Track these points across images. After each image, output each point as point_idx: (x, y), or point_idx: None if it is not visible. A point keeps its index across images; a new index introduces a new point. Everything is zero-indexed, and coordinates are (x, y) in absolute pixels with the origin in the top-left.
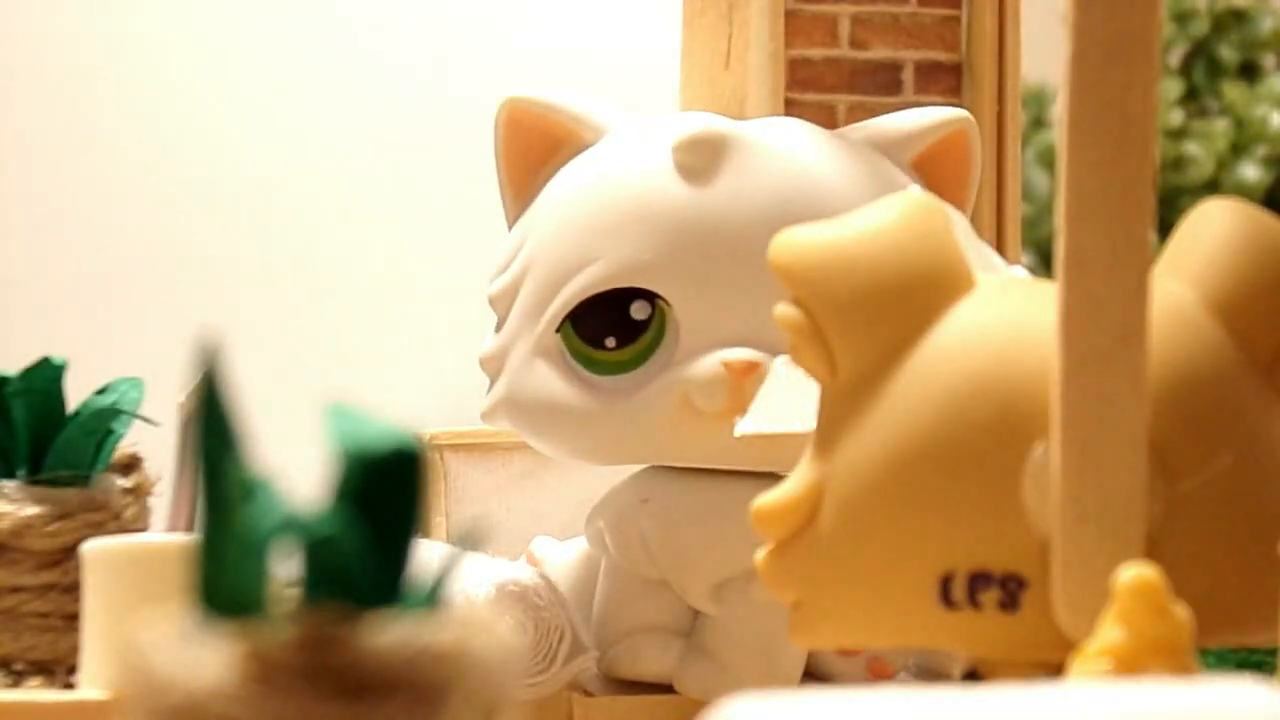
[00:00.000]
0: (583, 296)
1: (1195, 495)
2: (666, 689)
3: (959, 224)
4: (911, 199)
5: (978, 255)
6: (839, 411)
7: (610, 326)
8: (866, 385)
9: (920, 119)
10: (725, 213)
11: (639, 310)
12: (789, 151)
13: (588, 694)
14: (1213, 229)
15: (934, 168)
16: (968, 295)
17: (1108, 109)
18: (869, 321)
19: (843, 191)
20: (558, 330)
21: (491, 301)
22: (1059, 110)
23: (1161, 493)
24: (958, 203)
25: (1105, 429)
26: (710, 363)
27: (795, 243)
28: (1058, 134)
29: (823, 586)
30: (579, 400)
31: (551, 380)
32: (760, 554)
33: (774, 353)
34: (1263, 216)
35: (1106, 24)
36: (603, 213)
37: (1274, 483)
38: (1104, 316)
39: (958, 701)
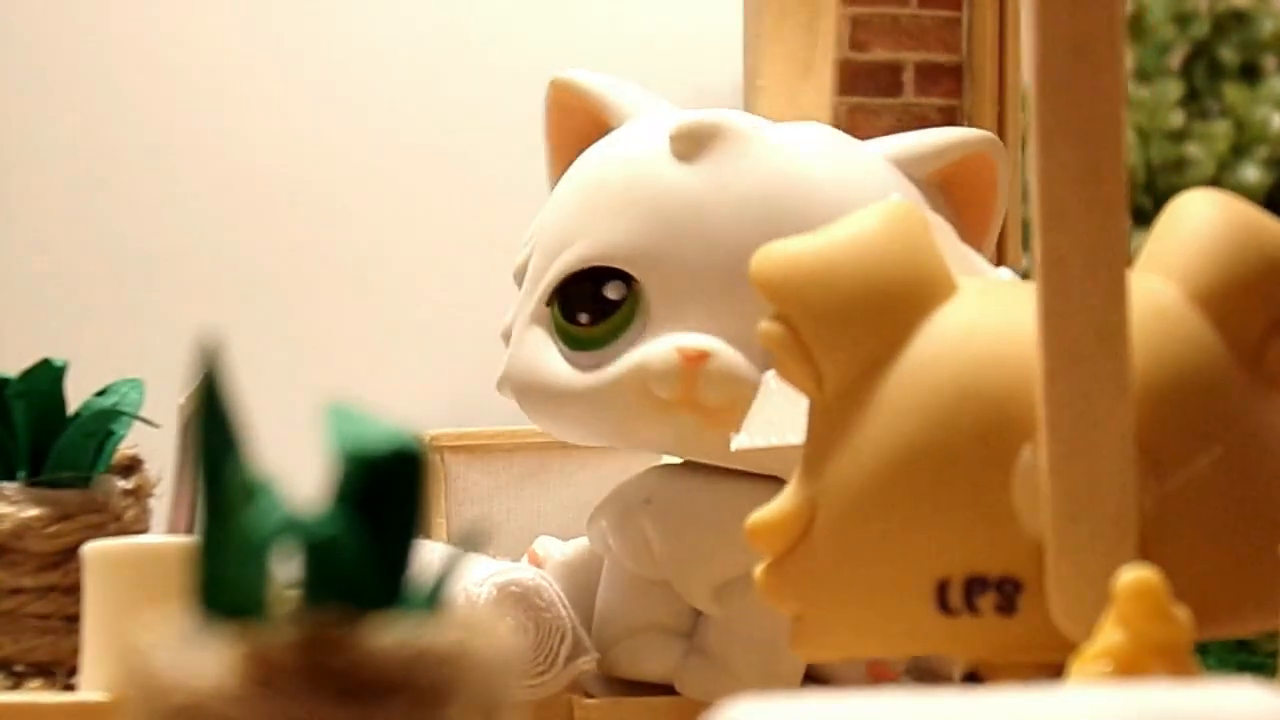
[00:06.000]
0: (565, 273)
1: (1186, 489)
2: (667, 690)
3: (940, 228)
4: (889, 207)
5: (960, 258)
6: (828, 424)
7: (586, 304)
8: (853, 397)
9: (941, 137)
10: (705, 202)
11: (613, 290)
12: (786, 150)
13: (588, 695)
14: (1192, 221)
15: (956, 190)
16: (949, 300)
17: (1076, 109)
18: (852, 333)
19: (833, 195)
20: (548, 305)
21: (513, 276)
22: (1030, 114)
23: (1152, 489)
24: (980, 228)
25: (1091, 428)
26: (665, 348)
27: (775, 257)
28: (1029, 137)
29: (821, 599)
30: (556, 375)
31: (538, 353)
32: (758, 569)
33: (743, 341)
34: (1241, 206)
35: (1070, 25)
36: (592, 194)
37: (1264, 470)
38: (1083, 316)
39: (957, 704)
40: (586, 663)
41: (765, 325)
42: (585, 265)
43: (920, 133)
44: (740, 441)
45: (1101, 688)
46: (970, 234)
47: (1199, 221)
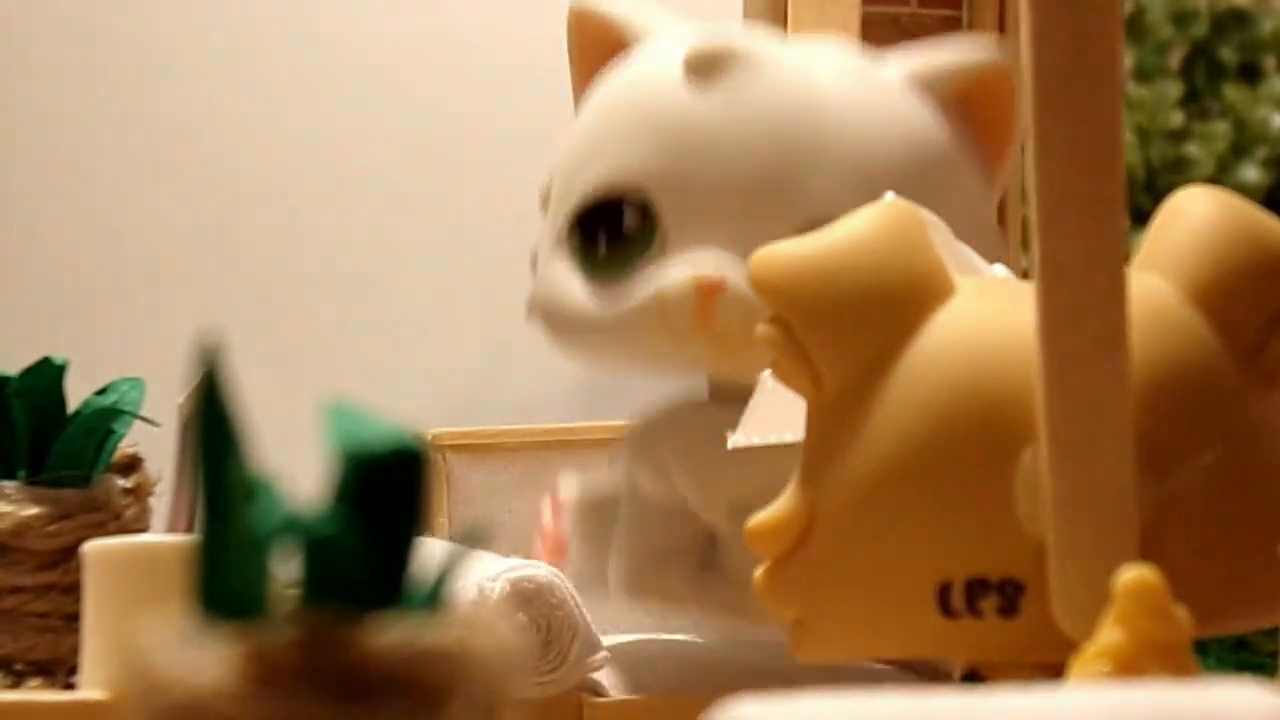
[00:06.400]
0: (582, 200)
1: (1186, 489)
2: (673, 690)
3: (937, 227)
4: (886, 208)
5: (957, 257)
6: (826, 426)
7: (603, 232)
8: (852, 398)
9: (956, 55)
10: (721, 125)
11: (631, 216)
12: (801, 72)
13: (598, 694)
14: (1189, 219)
15: (974, 108)
16: (947, 301)
17: (1074, 113)
18: (850, 334)
19: (848, 117)
20: (568, 234)
21: (539, 202)
22: (1028, 117)
23: (1152, 489)
24: (998, 148)
25: (1091, 430)
26: (682, 279)
27: (773, 258)
28: (1028, 141)
29: (822, 602)
30: (577, 302)
31: (559, 281)
32: (758, 573)
33: None
34: (1237, 203)
35: (1067, 28)
36: (609, 119)
37: (1263, 468)
38: (1083, 319)
39: (957, 704)
40: (598, 661)
41: (762, 327)
42: (602, 194)
43: (938, 49)
44: (737, 440)
45: (1101, 688)
46: (988, 153)
47: (1196, 219)
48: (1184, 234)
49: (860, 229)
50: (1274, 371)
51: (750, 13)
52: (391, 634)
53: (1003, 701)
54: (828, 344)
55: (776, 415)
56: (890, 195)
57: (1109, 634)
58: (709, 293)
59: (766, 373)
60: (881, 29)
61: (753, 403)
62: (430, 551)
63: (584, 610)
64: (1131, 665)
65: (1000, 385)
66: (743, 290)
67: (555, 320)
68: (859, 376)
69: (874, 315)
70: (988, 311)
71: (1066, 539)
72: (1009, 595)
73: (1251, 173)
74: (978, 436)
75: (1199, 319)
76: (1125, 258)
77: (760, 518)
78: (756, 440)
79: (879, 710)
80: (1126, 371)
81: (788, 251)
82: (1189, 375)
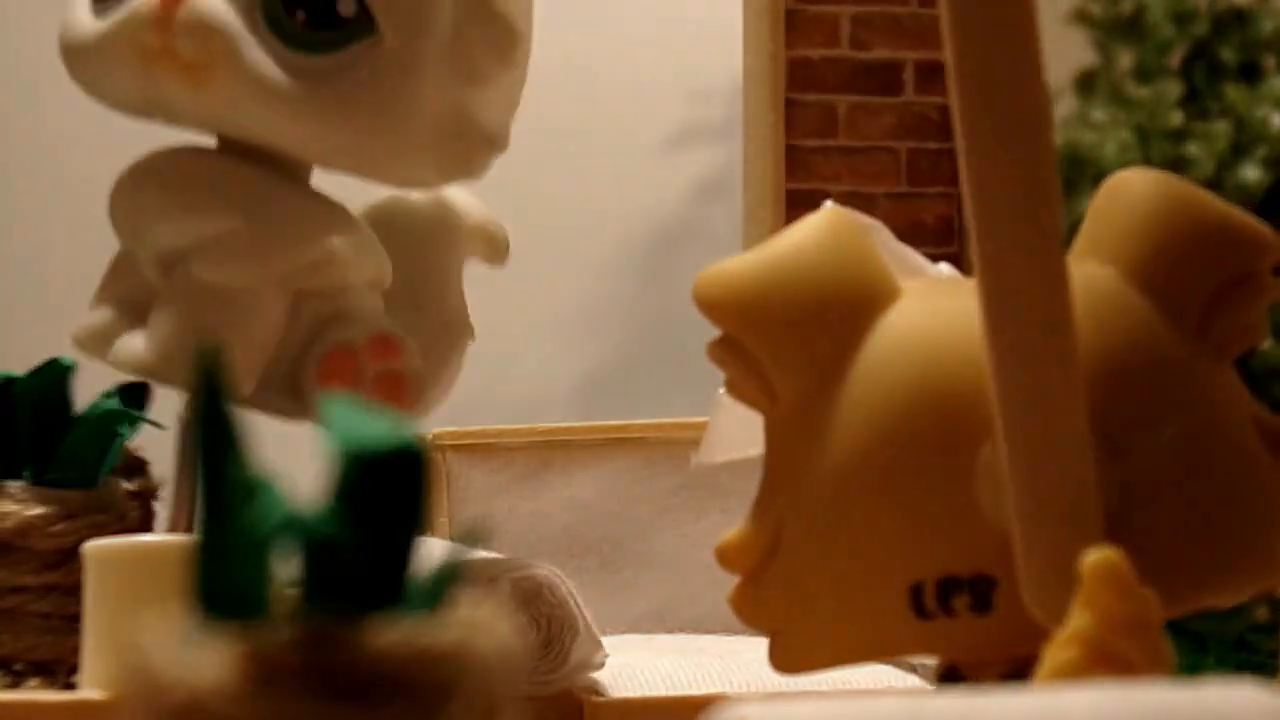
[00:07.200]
0: None
1: (1145, 468)
2: (672, 694)
3: (878, 230)
4: (826, 216)
5: (900, 259)
6: (785, 438)
7: None
8: (808, 409)
9: None
10: None
11: None
12: None
13: (598, 694)
14: (1125, 201)
15: None
16: (893, 305)
17: (997, 100)
18: (799, 345)
19: None
20: None
21: None
22: (953, 112)
23: (1111, 471)
24: None
25: (1046, 419)
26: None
27: (720, 276)
28: (956, 137)
29: (796, 614)
30: (79, 26)
31: (71, 9)
32: (732, 590)
33: None
34: (1173, 181)
35: (984, 18)
36: None
37: (1219, 440)
38: (1026, 310)
39: (954, 705)
40: (599, 660)
41: (713, 346)
42: None
43: None
44: (701, 457)
45: (1101, 688)
46: None
47: (1132, 201)
48: (1121, 217)
49: (800, 239)
50: (1221, 345)
51: (750, 10)
52: (391, 634)
53: (1001, 703)
54: (778, 357)
55: (737, 431)
56: (829, 203)
57: (1078, 617)
58: (169, 6)
59: (722, 390)
60: (881, 29)
61: (712, 421)
62: (430, 551)
63: (584, 611)
64: (1101, 647)
65: (953, 383)
66: (199, 10)
67: (63, 50)
68: (812, 387)
69: (821, 324)
70: (934, 311)
71: (1031, 528)
72: (981, 591)
73: (1251, 173)
74: (935, 435)
75: (1142, 300)
76: (1064, 248)
77: (728, 537)
78: (719, 457)
79: (878, 711)
80: (1074, 359)
81: (730, 269)
82: (1137, 357)
